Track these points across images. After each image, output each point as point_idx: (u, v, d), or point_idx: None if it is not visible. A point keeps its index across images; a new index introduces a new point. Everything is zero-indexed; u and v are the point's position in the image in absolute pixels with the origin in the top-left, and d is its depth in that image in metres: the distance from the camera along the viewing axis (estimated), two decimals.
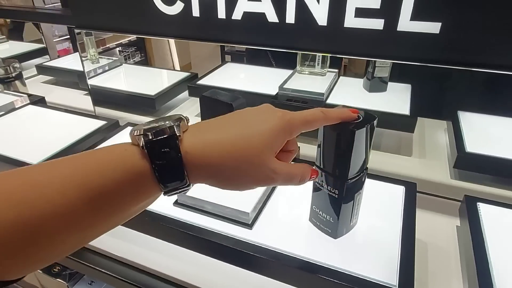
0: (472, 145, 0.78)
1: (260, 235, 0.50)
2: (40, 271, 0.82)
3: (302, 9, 0.65)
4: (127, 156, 0.29)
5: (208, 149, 0.30)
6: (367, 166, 0.47)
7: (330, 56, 0.96)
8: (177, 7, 0.75)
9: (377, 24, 0.61)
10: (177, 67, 1.99)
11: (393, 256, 0.47)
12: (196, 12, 0.74)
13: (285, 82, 0.94)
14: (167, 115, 0.33)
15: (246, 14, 0.70)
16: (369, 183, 0.62)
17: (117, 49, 2.28)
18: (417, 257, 0.59)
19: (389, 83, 0.97)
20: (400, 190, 0.59)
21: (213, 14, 0.72)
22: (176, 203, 0.56)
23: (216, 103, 0.56)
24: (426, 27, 0.59)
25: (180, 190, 0.31)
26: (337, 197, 0.46)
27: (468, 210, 0.60)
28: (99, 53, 1.28)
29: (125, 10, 0.82)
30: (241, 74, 1.12)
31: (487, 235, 0.54)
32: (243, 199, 0.54)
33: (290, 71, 1.02)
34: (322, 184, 0.47)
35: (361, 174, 0.46)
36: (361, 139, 0.42)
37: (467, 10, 0.55)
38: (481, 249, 0.52)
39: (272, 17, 0.68)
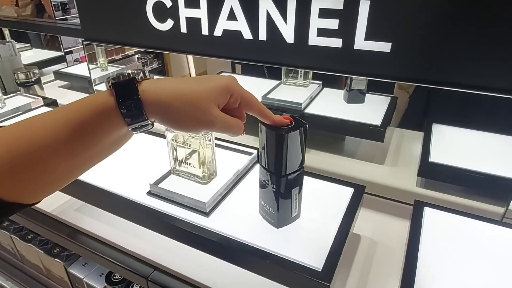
0: (436, 156, 0.83)
1: (215, 222, 0.58)
2: (41, 251, 0.92)
3: (272, 28, 0.73)
4: (99, 96, 0.38)
5: (161, 91, 0.39)
6: (303, 166, 0.55)
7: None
8: (168, 24, 0.85)
9: (337, 42, 0.69)
10: (193, 74, 2.10)
11: (325, 246, 0.53)
12: (184, 28, 0.84)
13: (269, 92, 1.02)
14: (135, 69, 0.42)
15: (225, 31, 0.79)
16: (320, 184, 0.70)
17: (136, 56, 2.42)
18: (365, 253, 0.66)
19: (370, 94, 1.04)
20: (349, 191, 0.66)
21: (198, 31, 0.82)
22: (149, 193, 0.65)
23: None
24: (378, 46, 0.66)
25: (141, 125, 0.39)
26: (275, 191, 0.54)
27: (414, 213, 0.66)
28: (118, 60, 1.40)
29: (125, 26, 0.93)
30: None
31: (423, 236, 0.60)
32: (204, 192, 0.62)
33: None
34: (266, 180, 0.55)
35: (297, 172, 0.53)
36: (293, 141, 0.50)
37: (414, 31, 0.62)
38: (413, 248, 0.57)
39: (247, 34, 0.76)
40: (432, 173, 0.81)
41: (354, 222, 0.61)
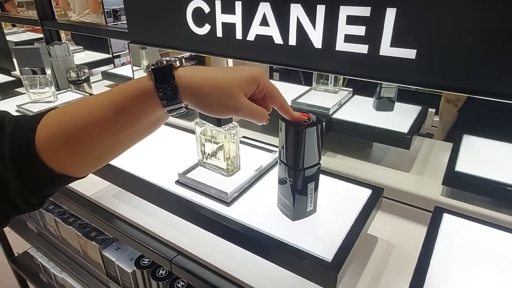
0: (463, 165, 0.82)
1: (235, 212, 0.62)
2: (80, 233, 1.00)
3: (301, 34, 0.77)
4: (140, 80, 0.43)
5: (194, 77, 0.43)
6: (319, 163, 0.57)
7: None
8: (205, 29, 0.91)
9: (363, 48, 0.71)
10: None
11: (337, 240, 0.55)
12: (219, 33, 0.89)
13: (299, 96, 1.06)
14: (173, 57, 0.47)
15: (257, 36, 0.83)
16: (340, 183, 0.72)
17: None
18: (380, 255, 0.67)
19: (401, 104, 1.04)
20: (367, 192, 0.68)
21: (232, 35, 0.87)
22: (177, 182, 0.70)
23: None
24: (404, 53, 0.67)
25: (176, 107, 0.43)
26: (292, 184, 0.57)
27: (432, 218, 0.67)
28: None
29: (167, 30, 1.00)
30: None
31: (438, 241, 0.60)
32: (227, 184, 0.66)
33: None
34: (285, 175, 0.58)
35: (313, 167, 0.56)
36: (310, 136, 0.53)
37: (439, 39, 0.63)
38: (427, 252, 0.58)
39: (278, 39, 0.81)
40: (457, 182, 0.81)
41: (369, 222, 0.63)
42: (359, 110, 1.04)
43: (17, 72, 1.73)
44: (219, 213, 0.62)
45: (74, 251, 1.12)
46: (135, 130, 0.44)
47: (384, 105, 1.02)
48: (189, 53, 1.11)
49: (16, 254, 1.63)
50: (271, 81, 0.49)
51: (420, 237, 0.69)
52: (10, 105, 1.21)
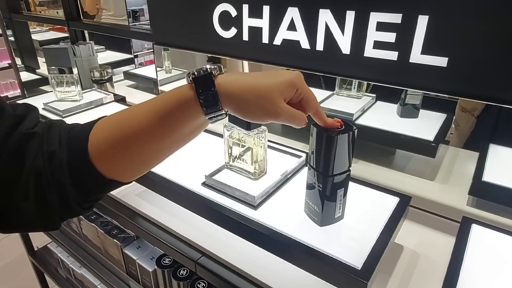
0: (490, 175, 0.81)
1: (261, 215, 0.62)
2: (102, 231, 1.02)
3: (329, 39, 0.77)
4: (182, 89, 0.44)
5: (234, 84, 0.44)
6: (350, 169, 0.57)
7: None
8: (232, 32, 0.92)
9: (392, 55, 0.71)
10: None
11: (366, 247, 0.55)
12: (246, 37, 0.90)
13: (321, 101, 1.05)
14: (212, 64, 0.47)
15: (284, 41, 0.84)
16: (367, 191, 0.71)
17: None
18: (406, 264, 0.66)
19: (425, 111, 1.03)
20: (395, 200, 0.67)
21: (259, 39, 0.87)
22: (203, 184, 0.71)
23: None
24: (435, 61, 0.67)
25: (216, 114, 0.44)
26: (321, 190, 0.57)
27: (460, 228, 0.66)
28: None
29: (192, 32, 1.02)
30: None
31: (468, 252, 0.60)
32: (253, 187, 0.66)
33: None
34: (314, 181, 0.58)
35: (343, 174, 0.56)
36: (342, 143, 0.53)
37: (472, 48, 0.63)
38: (456, 263, 0.57)
39: (305, 44, 0.81)
40: (484, 192, 0.79)
41: (396, 231, 0.62)
42: (383, 116, 1.03)
43: (41, 70, 1.77)
44: (246, 216, 0.62)
45: (95, 248, 1.13)
46: (177, 136, 0.45)
47: (409, 112, 1.01)
48: (208, 54, 1.12)
49: (35, 248, 1.67)
50: None
51: (446, 247, 0.69)
52: (36, 103, 1.23)
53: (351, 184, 0.71)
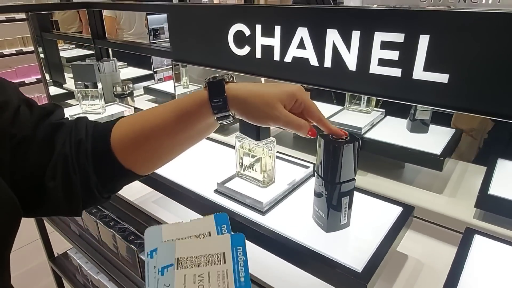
0: (497, 189, 0.82)
1: (269, 221, 0.66)
2: (120, 236, 1.07)
3: (336, 57, 0.81)
4: (197, 92, 0.51)
5: (241, 90, 0.51)
6: (354, 178, 0.61)
7: None
8: (245, 50, 0.98)
9: (396, 72, 0.75)
10: None
11: (367, 252, 0.58)
12: (258, 54, 0.95)
13: (331, 116, 1.09)
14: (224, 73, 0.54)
15: (294, 58, 0.89)
16: (372, 200, 0.74)
17: None
18: (409, 273, 0.69)
19: (436, 126, 1.06)
20: (398, 210, 0.70)
21: (271, 57, 0.93)
22: (216, 191, 0.75)
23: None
24: (436, 77, 0.70)
25: (224, 115, 0.51)
26: (327, 197, 0.60)
27: (463, 238, 0.68)
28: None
29: (209, 50, 1.08)
30: None
31: (468, 262, 0.61)
32: (262, 194, 0.70)
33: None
34: (321, 188, 0.62)
35: (348, 182, 0.60)
36: (347, 153, 0.57)
37: (471, 64, 0.66)
38: (456, 272, 0.59)
39: (313, 61, 0.85)
40: (490, 205, 0.81)
41: (399, 238, 0.65)
42: (391, 131, 1.06)
43: (67, 85, 1.87)
44: (254, 221, 0.66)
45: (112, 253, 1.19)
46: (190, 134, 0.52)
47: (418, 127, 1.03)
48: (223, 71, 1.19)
49: (56, 255, 1.73)
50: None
51: (451, 257, 0.70)
52: None
53: (358, 194, 0.75)
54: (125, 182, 0.52)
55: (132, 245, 1.03)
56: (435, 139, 1.00)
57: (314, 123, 0.56)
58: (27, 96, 0.49)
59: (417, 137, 1.03)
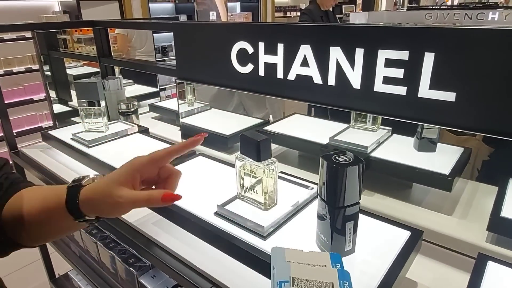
0: (509, 211, 0.79)
1: (271, 246, 0.63)
2: (119, 259, 1.04)
3: (340, 75, 0.80)
4: (61, 193, 0.52)
5: (90, 193, 0.51)
6: (359, 202, 0.58)
7: None
8: (248, 68, 0.97)
9: (401, 90, 0.73)
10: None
11: (374, 282, 0.55)
12: (261, 72, 0.94)
13: (336, 134, 1.07)
14: (93, 175, 0.55)
15: (298, 76, 0.87)
16: (379, 224, 0.71)
17: None
18: None
19: (444, 145, 1.02)
20: (406, 234, 0.67)
21: (274, 75, 0.91)
22: (216, 213, 0.73)
23: (248, 140, 0.73)
24: (443, 95, 0.68)
25: (84, 219, 0.52)
26: (331, 222, 0.57)
27: (475, 265, 0.64)
28: None
29: (213, 68, 1.07)
30: (304, 124, 1.28)
31: None
32: (264, 217, 0.68)
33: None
34: (324, 212, 0.59)
35: (352, 206, 0.57)
36: (350, 175, 0.54)
37: (479, 82, 0.64)
38: None
39: (317, 79, 0.84)
40: (503, 228, 0.77)
41: (407, 265, 0.61)
42: (398, 149, 1.03)
43: (73, 103, 1.88)
44: (255, 246, 0.63)
45: (112, 276, 1.16)
46: (55, 228, 0.54)
47: (426, 146, 1.00)
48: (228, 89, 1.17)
49: (57, 275, 1.71)
50: None
51: (463, 284, 0.66)
52: (66, 133, 1.32)
53: (362, 217, 0.72)
54: (13, 250, 0.54)
55: (131, 268, 1.00)
56: (443, 158, 0.97)
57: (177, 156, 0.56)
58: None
59: (424, 156, 0.99)
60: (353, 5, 6.88)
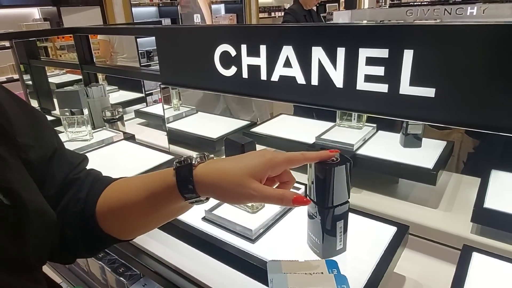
0: (492, 202, 0.80)
1: (260, 249, 0.63)
2: (109, 269, 1.03)
3: (323, 74, 0.80)
4: (168, 175, 0.49)
5: (209, 174, 0.48)
6: (348, 201, 0.58)
7: None
8: (232, 71, 0.97)
9: (383, 88, 0.73)
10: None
11: (362, 279, 0.56)
12: (245, 74, 0.94)
13: (323, 133, 1.08)
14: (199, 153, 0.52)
15: (281, 77, 0.87)
16: (367, 221, 0.72)
17: None
18: None
19: (428, 139, 1.04)
20: (392, 230, 0.67)
21: (257, 76, 0.92)
22: (203, 218, 0.72)
23: (233, 144, 0.73)
24: (423, 91, 0.69)
25: (196, 200, 0.49)
26: (321, 222, 0.58)
27: (461, 257, 0.65)
28: None
29: (196, 72, 1.07)
30: (291, 124, 1.28)
31: (468, 281, 0.59)
32: (251, 221, 0.68)
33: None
34: (314, 212, 0.60)
35: (341, 206, 0.57)
36: (338, 175, 0.55)
37: (457, 77, 0.65)
38: None
39: (300, 79, 0.84)
40: (486, 219, 0.79)
41: (395, 260, 0.62)
42: (384, 146, 1.04)
43: (56, 112, 1.85)
44: (243, 250, 0.63)
45: (102, 287, 1.14)
46: (162, 214, 0.52)
47: (411, 142, 1.02)
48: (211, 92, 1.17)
49: None
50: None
51: (450, 276, 0.67)
52: None
53: (351, 215, 0.72)
54: (107, 245, 0.53)
55: (122, 278, 0.99)
56: (427, 153, 0.98)
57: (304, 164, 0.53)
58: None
59: (410, 151, 1.01)
60: (337, 4, 6.93)
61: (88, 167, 0.61)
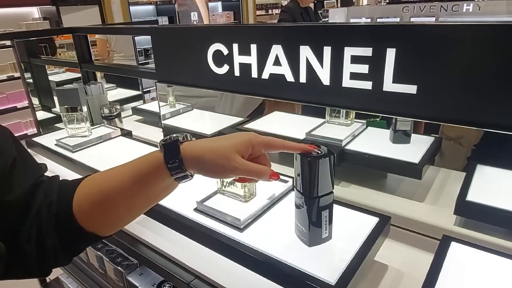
0: (475, 195, 0.83)
1: (248, 237, 0.67)
2: (107, 259, 1.07)
3: (311, 72, 0.84)
4: (154, 154, 0.52)
5: (196, 148, 0.51)
6: (332, 192, 0.62)
7: None
8: (224, 69, 1.00)
9: (367, 85, 0.77)
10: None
11: (342, 265, 0.59)
12: (237, 72, 0.97)
13: (313, 129, 1.11)
14: (181, 134, 0.54)
15: (271, 75, 0.91)
16: (351, 213, 0.75)
17: None
18: (389, 283, 0.69)
19: (417, 135, 1.07)
20: (374, 220, 0.71)
21: (248, 74, 0.95)
22: (195, 209, 0.76)
23: None
24: (405, 88, 0.72)
25: (182, 175, 0.51)
26: (307, 211, 0.61)
27: (439, 247, 0.68)
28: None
29: (190, 70, 1.10)
30: (283, 120, 1.32)
31: (444, 269, 0.62)
32: (241, 210, 0.71)
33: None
34: (299, 202, 0.63)
35: (326, 196, 0.61)
36: (323, 167, 0.58)
37: (438, 75, 0.68)
38: (431, 281, 0.60)
39: (289, 77, 0.87)
40: (468, 211, 0.82)
41: (375, 248, 0.65)
42: (372, 142, 1.07)
43: (56, 109, 1.88)
44: (232, 238, 0.67)
45: (101, 276, 1.18)
46: (148, 194, 0.53)
47: (400, 138, 1.05)
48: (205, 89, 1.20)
49: (48, 280, 1.72)
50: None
51: (429, 265, 0.71)
52: (50, 139, 1.33)
53: (336, 207, 0.76)
54: (87, 245, 0.54)
55: (119, 267, 1.03)
56: (415, 149, 1.01)
57: (284, 151, 0.57)
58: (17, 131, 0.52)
59: (398, 147, 1.04)
60: (334, 1, 6.94)
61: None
